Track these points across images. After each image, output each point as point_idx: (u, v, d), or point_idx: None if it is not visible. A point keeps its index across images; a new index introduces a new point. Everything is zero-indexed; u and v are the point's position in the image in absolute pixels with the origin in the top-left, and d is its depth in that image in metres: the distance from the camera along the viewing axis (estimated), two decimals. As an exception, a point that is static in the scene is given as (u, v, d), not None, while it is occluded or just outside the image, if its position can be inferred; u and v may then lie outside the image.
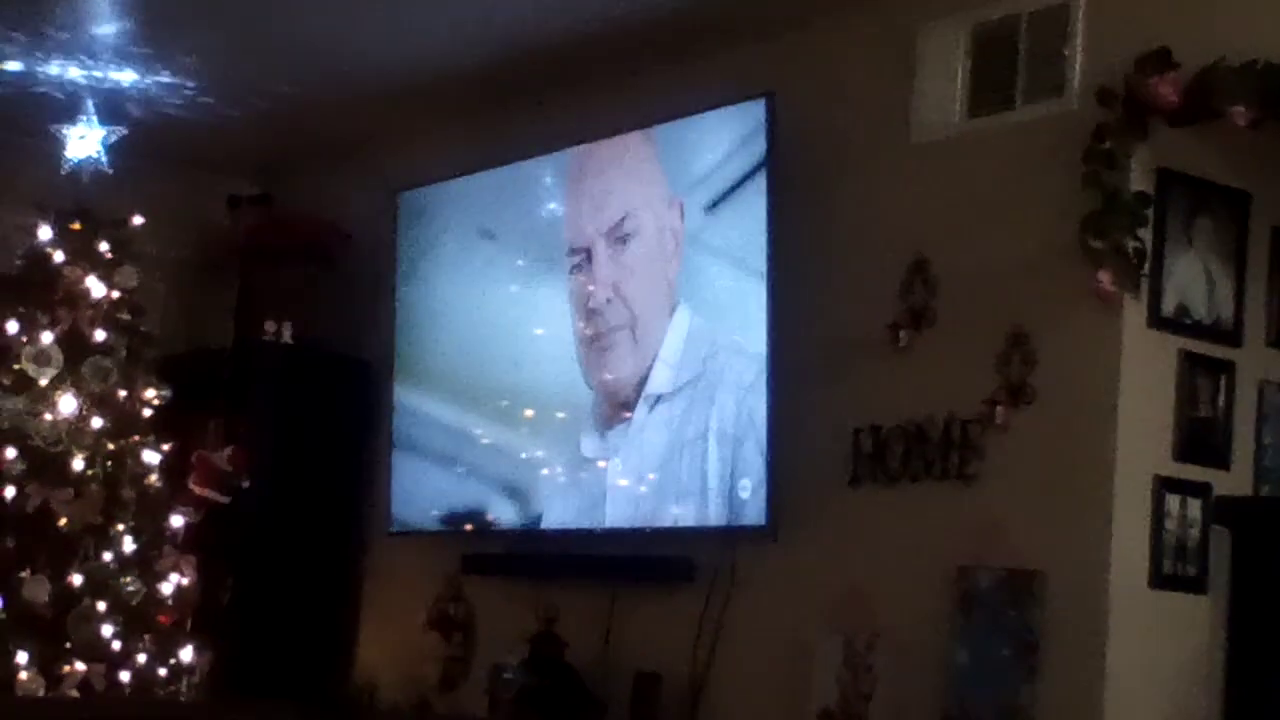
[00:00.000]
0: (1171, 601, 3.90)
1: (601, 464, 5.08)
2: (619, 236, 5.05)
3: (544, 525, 5.26)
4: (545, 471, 5.24)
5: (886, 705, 4.24)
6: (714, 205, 4.77)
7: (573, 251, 5.21)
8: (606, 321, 5.08)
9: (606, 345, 5.09)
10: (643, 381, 4.94)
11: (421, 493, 5.73)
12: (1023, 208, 4.14)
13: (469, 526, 5.55)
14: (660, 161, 4.97)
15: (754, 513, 4.55)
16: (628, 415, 4.97)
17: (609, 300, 5.06)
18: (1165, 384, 3.94)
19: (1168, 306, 3.94)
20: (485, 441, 5.47)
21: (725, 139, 4.71)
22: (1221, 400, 4.00)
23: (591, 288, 5.11)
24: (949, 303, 4.29)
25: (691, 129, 4.85)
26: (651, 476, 4.89)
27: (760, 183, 4.57)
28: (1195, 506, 3.93)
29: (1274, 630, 3.81)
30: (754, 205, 4.58)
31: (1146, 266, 3.88)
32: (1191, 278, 3.98)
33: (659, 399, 4.89)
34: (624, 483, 5.00)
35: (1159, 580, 3.88)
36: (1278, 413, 4.10)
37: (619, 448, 5.02)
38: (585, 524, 5.09)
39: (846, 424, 4.46)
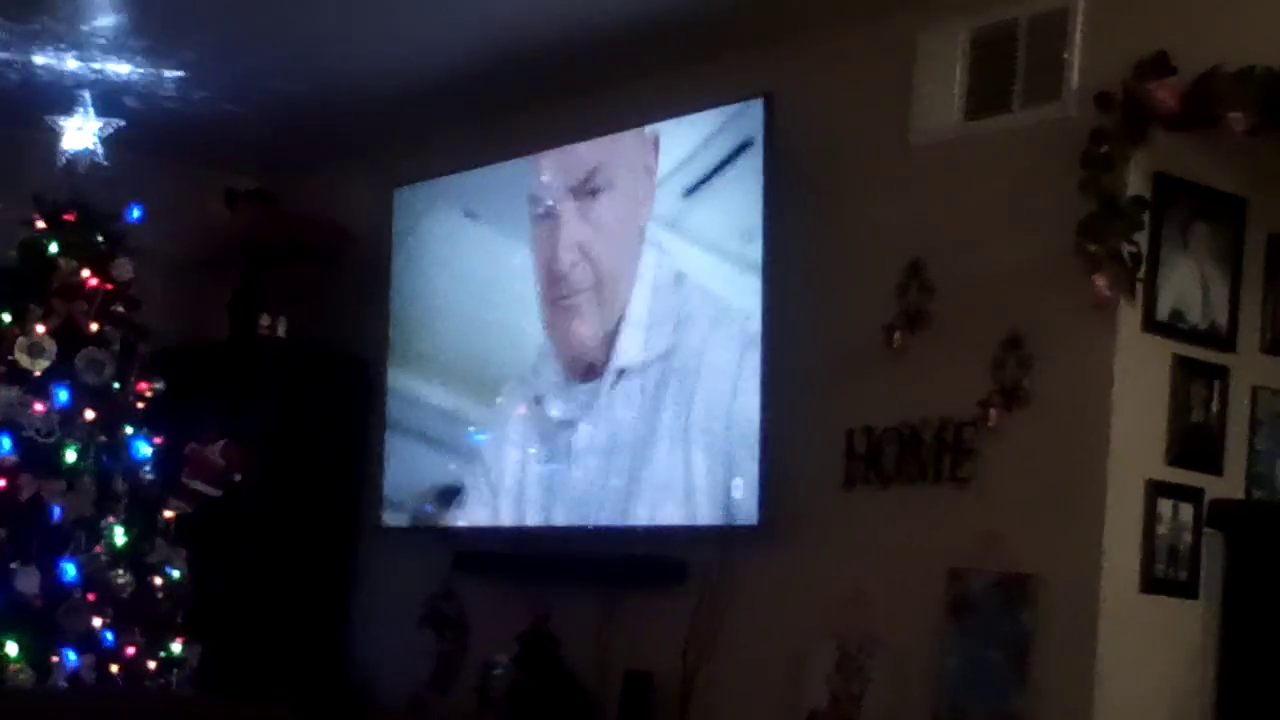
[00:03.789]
0: (1163, 606, 3.91)
1: (571, 433, 5.09)
2: (589, 190, 5.08)
3: (529, 520, 5.25)
4: (537, 468, 5.23)
5: (878, 708, 4.24)
6: (694, 189, 4.80)
7: (533, 201, 5.25)
8: (571, 285, 5.12)
9: (570, 309, 5.12)
10: (609, 346, 4.96)
11: (415, 491, 5.72)
12: (1020, 211, 4.15)
13: (462, 524, 5.54)
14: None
15: (747, 513, 4.55)
16: (594, 379, 5.00)
17: (574, 264, 5.10)
18: (1159, 388, 3.94)
19: (1163, 311, 3.95)
20: (481, 438, 5.47)
21: (712, 128, 4.75)
22: (1215, 405, 4.01)
23: (557, 250, 5.15)
24: (944, 305, 4.29)
25: (686, 126, 4.85)
26: (621, 461, 4.91)
27: (742, 169, 4.59)
28: (1187, 511, 3.94)
29: (1265, 635, 3.80)
30: (748, 201, 4.58)
31: (1142, 271, 3.89)
32: (1187, 283, 3.99)
33: (623, 372, 4.91)
34: (591, 463, 5.03)
35: (1151, 584, 3.89)
36: (1271, 418, 4.10)
37: (587, 413, 5.05)
38: (575, 520, 5.09)
39: (840, 425, 4.46)
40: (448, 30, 5.08)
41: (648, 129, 4.95)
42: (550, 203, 5.21)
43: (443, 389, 5.63)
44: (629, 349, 4.94)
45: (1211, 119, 3.75)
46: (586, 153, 5.14)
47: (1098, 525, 3.85)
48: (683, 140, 4.85)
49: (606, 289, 5.03)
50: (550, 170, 5.26)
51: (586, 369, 5.06)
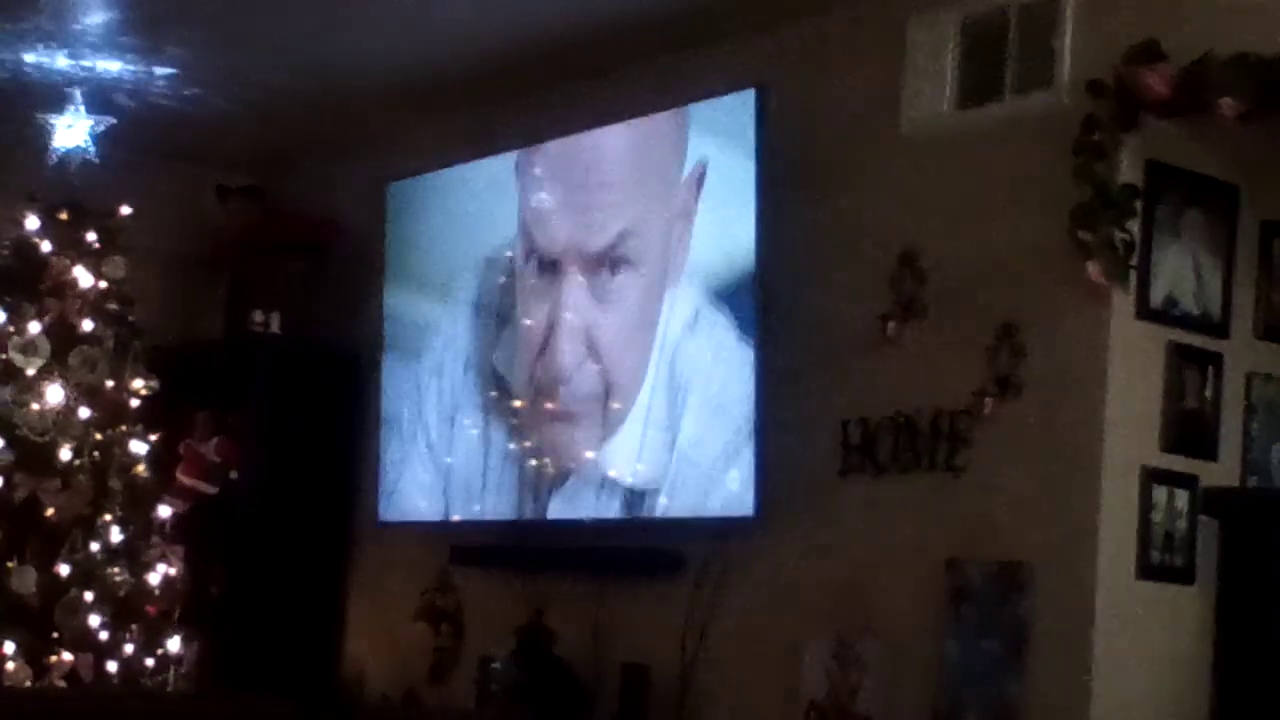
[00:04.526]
0: (1159, 592, 3.90)
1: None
2: (610, 261, 4.91)
3: (525, 513, 5.25)
4: (533, 462, 5.23)
5: (875, 698, 4.24)
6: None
7: (529, 250, 5.11)
8: (573, 392, 4.93)
9: (563, 416, 4.99)
10: (598, 459, 4.90)
11: (411, 484, 5.72)
12: (1012, 199, 4.14)
13: (457, 518, 5.54)
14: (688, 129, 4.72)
15: (743, 504, 4.54)
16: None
17: (580, 362, 4.90)
18: (1153, 376, 3.94)
19: (1156, 298, 3.94)
20: (474, 432, 5.47)
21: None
22: (1209, 392, 4.01)
23: (556, 338, 4.99)
24: (938, 294, 4.29)
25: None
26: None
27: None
28: (1183, 498, 3.93)
29: (1261, 620, 3.82)
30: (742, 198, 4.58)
31: (1135, 258, 3.88)
32: (1180, 270, 3.98)
33: (607, 481, 4.87)
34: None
35: (1147, 571, 3.89)
36: (1265, 405, 4.10)
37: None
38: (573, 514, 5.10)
39: (835, 415, 4.46)
40: (436, 24, 5.08)
41: (691, 161, 4.71)
42: (553, 260, 5.02)
43: (441, 392, 5.59)
44: (618, 461, 4.85)
45: (1203, 106, 3.75)
46: (615, 211, 4.83)
47: (1093, 512, 3.85)
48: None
49: (616, 396, 4.85)
50: (559, 223, 5.04)
51: (560, 475, 5.03)
